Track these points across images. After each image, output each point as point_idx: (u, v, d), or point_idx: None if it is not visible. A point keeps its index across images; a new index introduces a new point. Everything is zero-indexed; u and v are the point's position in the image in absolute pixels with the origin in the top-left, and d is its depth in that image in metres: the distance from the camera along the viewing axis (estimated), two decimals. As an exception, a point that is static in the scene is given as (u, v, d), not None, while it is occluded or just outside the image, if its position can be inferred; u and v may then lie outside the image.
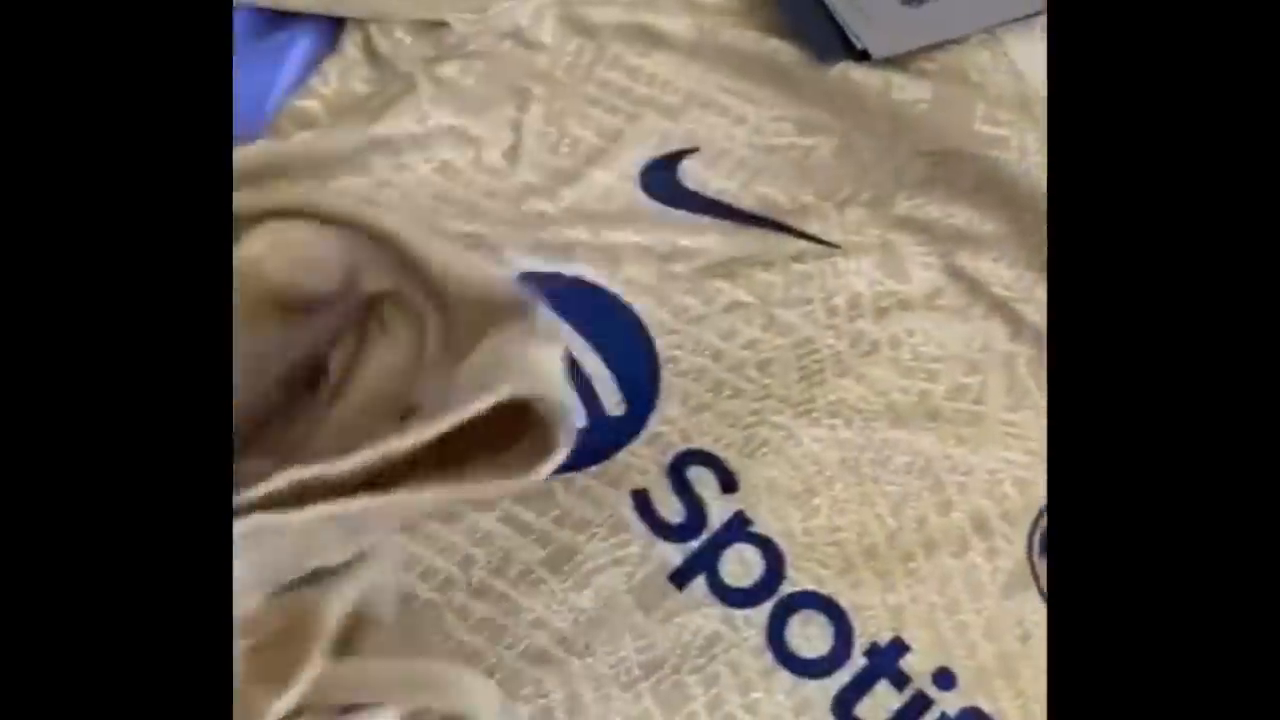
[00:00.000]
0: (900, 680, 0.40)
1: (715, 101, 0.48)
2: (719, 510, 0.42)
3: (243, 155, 0.45)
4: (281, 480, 0.35)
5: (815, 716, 0.40)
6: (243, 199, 0.41)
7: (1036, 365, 0.45)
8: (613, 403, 0.44)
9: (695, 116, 0.48)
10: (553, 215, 0.46)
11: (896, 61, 0.48)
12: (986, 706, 0.40)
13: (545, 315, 0.40)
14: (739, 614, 0.41)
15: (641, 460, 0.43)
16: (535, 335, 0.40)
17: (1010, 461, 0.43)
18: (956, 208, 0.47)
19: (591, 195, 0.47)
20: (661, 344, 0.45)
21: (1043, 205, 0.45)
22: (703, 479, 0.43)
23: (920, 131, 0.47)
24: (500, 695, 0.39)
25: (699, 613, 0.41)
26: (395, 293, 0.41)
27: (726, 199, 0.47)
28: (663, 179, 0.47)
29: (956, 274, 0.46)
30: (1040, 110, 0.47)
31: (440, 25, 0.48)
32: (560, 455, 0.38)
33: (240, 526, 0.34)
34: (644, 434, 0.43)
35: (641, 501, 0.42)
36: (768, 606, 0.41)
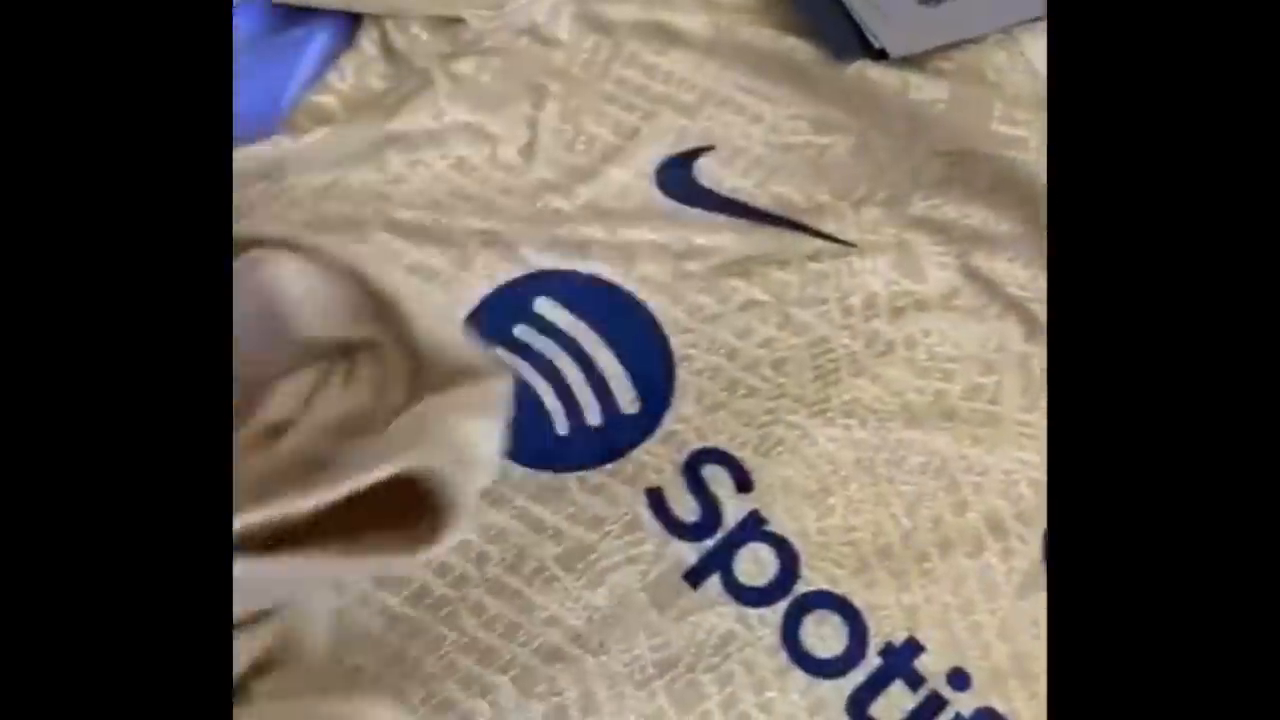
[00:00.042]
0: (915, 680, 0.40)
1: (731, 100, 0.48)
2: (734, 509, 0.42)
3: (258, 151, 0.46)
4: None
5: (830, 716, 0.40)
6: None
7: (1052, 366, 0.45)
8: (627, 400, 0.44)
9: (711, 114, 0.48)
10: (568, 212, 0.46)
11: (914, 61, 0.47)
12: (1001, 707, 0.40)
13: (500, 385, 0.40)
14: (753, 613, 0.41)
15: (656, 459, 0.43)
16: (470, 406, 0.39)
17: (1025, 462, 0.43)
18: (973, 208, 0.47)
19: (607, 193, 0.47)
20: (676, 342, 0.45)
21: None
22: (718, 478, 0.43)
23: (937, 131, 0.47)
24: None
25: (713, 611, 0.41)
26: (370, 342, 0.41)
27: (742, 197, 0.47)
28: (679, 177, 0.47)
29: (972, 274, 0.46)
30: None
31: (457, 22, 0.48)
32: (445, 543, 0.37)
33: None
34: (659, 432, 0.43)
35: (656, 500, 0.42)
36: (782, 606, 0.41)
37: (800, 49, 0.48)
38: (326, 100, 0.48)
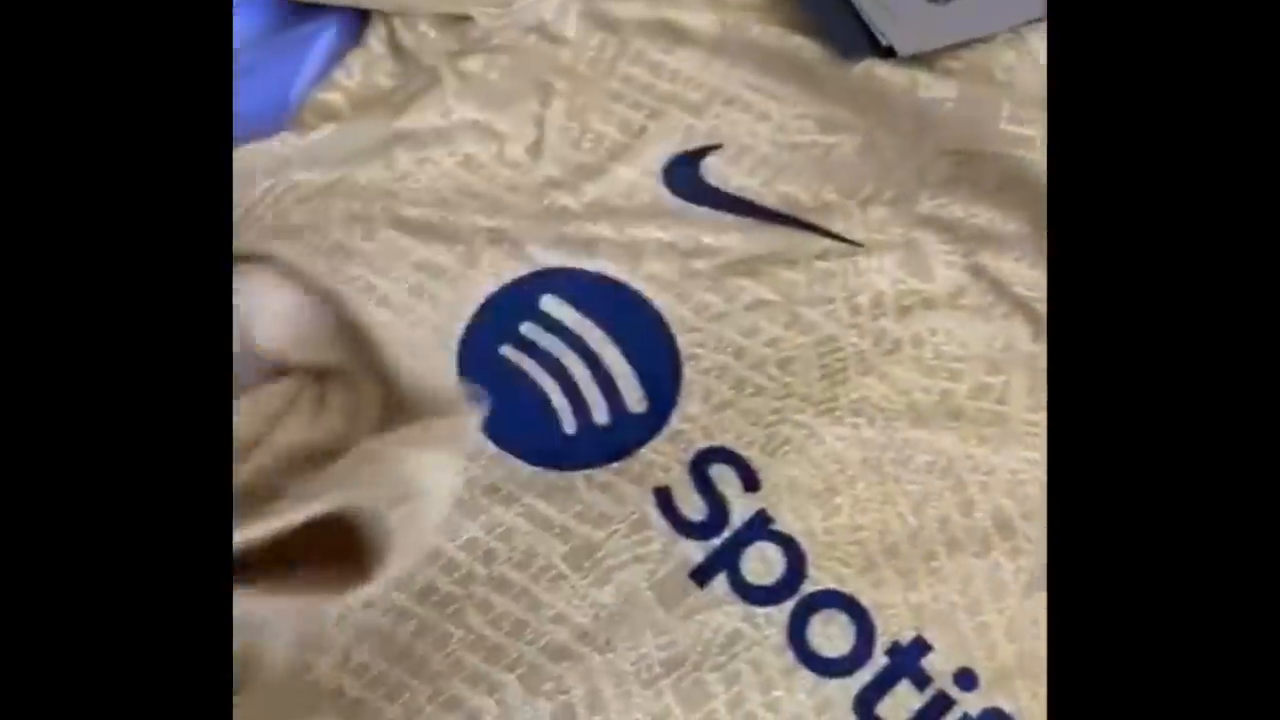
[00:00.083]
0: (922, 680, 0.40)
1: (739, 98, 0.48)
2: (741, 508, 0.42)
3: (265, 147, 0.45)
4: None
5: (836, 716, 0.40)
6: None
7: (1059, 365, 0.45)
8: (634, 399, 0.44)
9: (719, 113, 0.48)
10: (575, 210, 0.46)
11: (922, 60, 0.47)
12: (1008, 707, 0.40)
13: (468, 421, 0.40)
14: (760, 612, 0.41)
15: (663, 457, 0.43)
16: (429, 440, 0.39)
17: (1032, 461, 0.43)
18: (980, 207, 0.46)
19: (614, 191, 0.47)
20: (683, 341, 0.45)
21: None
22: (725, 477, 0.42)
23: (945, 130, 0.47)
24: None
25: (720, 610, 0.41)
26: (342, 369, 0.41)
27: (749, 196, 0.47)
28: (686, 175, 0.47)
29: (979, 273, 0.46)
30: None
31: (464, 19, 0.48)
32: (377, 583, 0.37)
33: None
34: (666, 431, 0.43)
35: (663, 499, 0.42)
36: (789, 605, 0.41)
37: (808, 47, 0.48)
38: (333, 97, 0.48)
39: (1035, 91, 0.47)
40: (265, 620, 0.38)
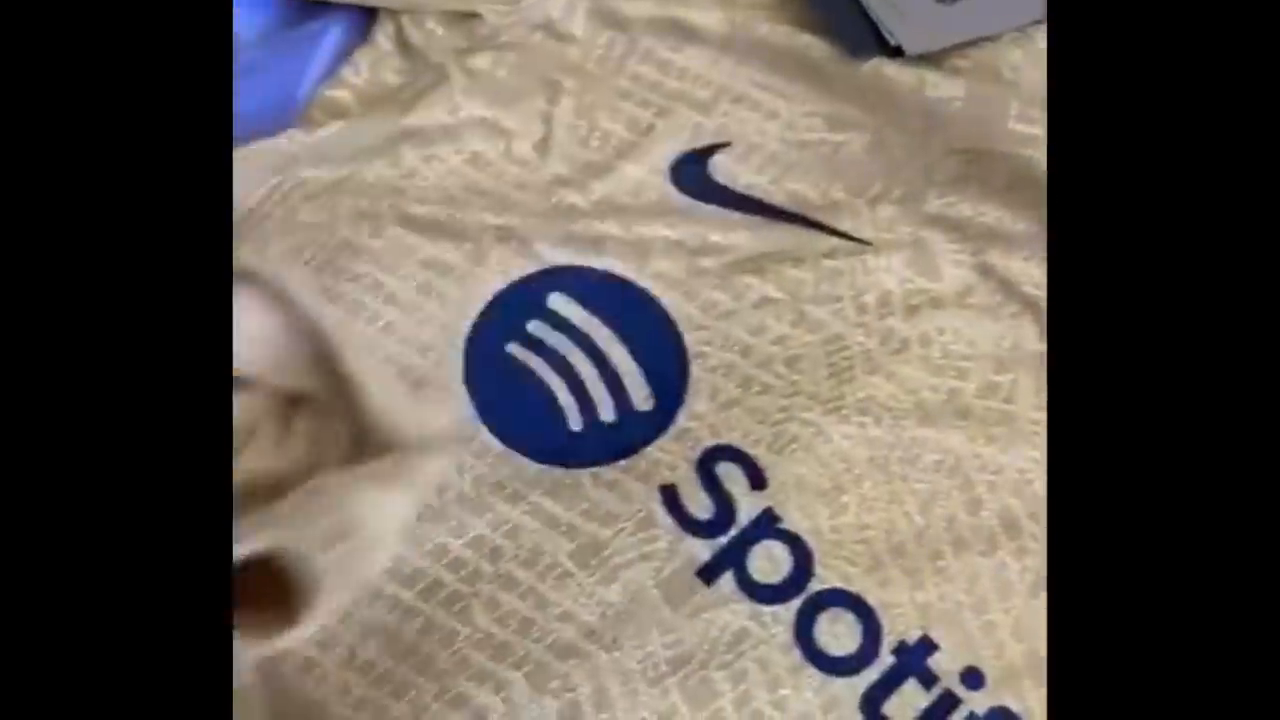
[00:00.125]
0: (928, 679, 0.40)
1: (747, 96, 0.48)
2: (748, 507, 0.42)
3: (272, 145, 0.45)
4: None
5: (843, 714, 0.40)
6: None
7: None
8: (641, 397, 0.44)
9: (727, 111, 0.48)
10: (583, 208, 0.46)
11: (930, 59, 0.47)
12: (1014, 706, 0.40)
13: (432, 463, 0.40)
14: (767, 610, 0.41)
15: (670, 455, 0.43)
16: (385, 478, 0.39)
17: (1040, 461, 0.43)
18: (988, 206, 0.46)
19: (622, 189, 0.47)
20: (690, 339, 0.45)
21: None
22: (732, 475, 0.42)
23: (953, 129, 0.47)
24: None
25: (727, 609, 0.41)
26: (313, 398, 0.41)
27: (757, 194, 0.47)
28: (694, 173, 0.47)
29: (987, 272, 0.46)
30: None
31: (472, 17, 0.48)
32: (306, 627, 0.36)
33: None
34: (672, 429, 0.43)
35: (670, 497, 0.42)
36: (796, 603, 0.41)
37: (816, 46, 0.48)
38: (341, 95, 0.48)
39: (1043, 91, 0.47)
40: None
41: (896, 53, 0.47)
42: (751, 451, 0.43)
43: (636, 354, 0.44)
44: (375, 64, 0.48)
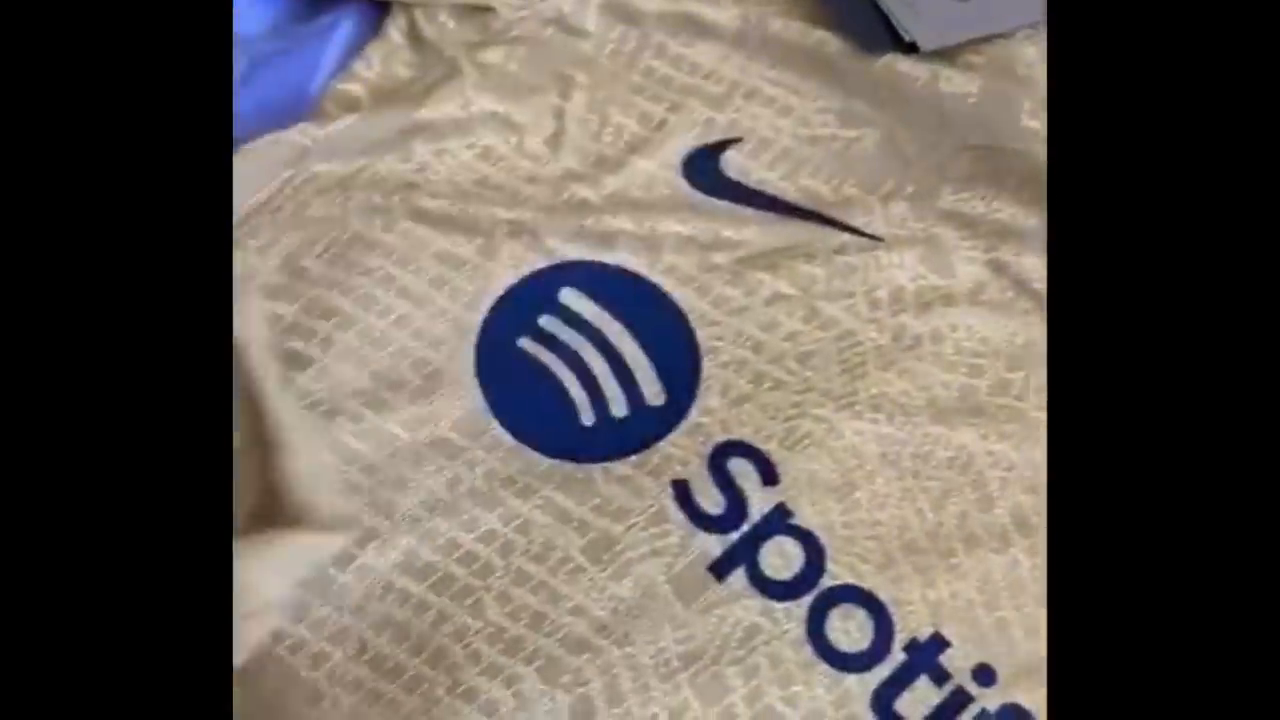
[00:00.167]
0: (940, 676, 0.40)
1: (760, 92, 0.48)
2: (760, 502, 0.42)
3: (284, 138, 0.45)
4: None
5: (854, 711, 0.40)
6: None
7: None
8: (653, 392, 0.44)
9: (739, 106, 0.48)
10: (595, 203, 0.46)
11: (944, 55, 0.47)
12: (1026, 703, 0.40)
13: (328, 542, 0.40)
14: (779, 606, 0.41)
15: (682, 451, 0.43)
16: (272, 550, 0.39)
17: (1053, 458, 0.43)
18: (1001, 203, 0.46)
19: (634, 184, 0.47)
20: (702, 335, 0.44)
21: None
22: (743, 471, 0.42)
23: (967, 125, 0.47)
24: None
25: (739, 604, 0.41)
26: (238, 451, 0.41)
27: (769, 190, 0.47)
28: (706, 168, 0.47)
29: (1000, 269, 0.46)
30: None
31: (485, 10, 0.48)
32: None
33: None
34: (684, 425, 0.43)
35: (682, 492, 0.42)
36: (808, 599, 0.41)
37: (829, 41, 0.48)
38: (353, 88, 0.48)
39: (1058, 87, 0.47)
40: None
41: (911, 49, 0.47)
42: (763, 447, 0.43)
43: (648, 349, 0.44)
44: (387, 57, 0.48)
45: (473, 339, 0.44)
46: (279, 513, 0.40)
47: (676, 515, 0.42)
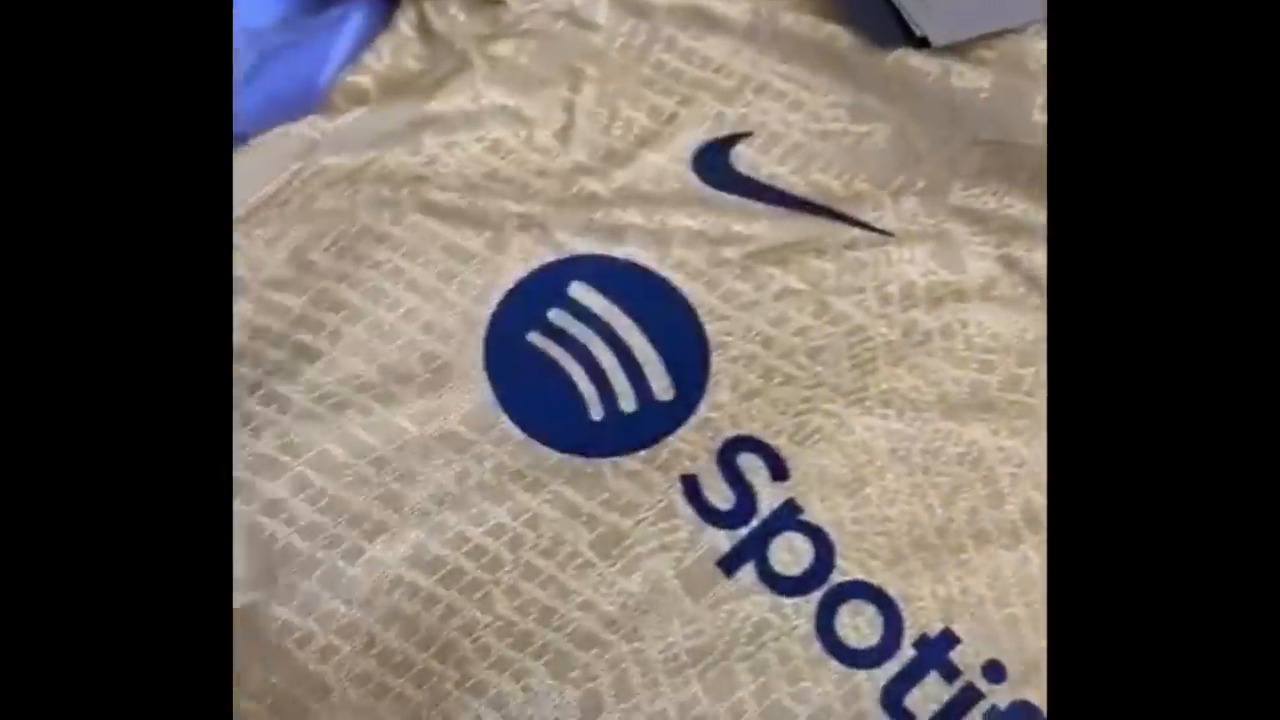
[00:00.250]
0: (950, 672, 0.40)
1: (770, 86, 0.48)
2: (769, 498, 0.42)
3: (294, 130, 0.45)
4: None
5: (864, 707, 0.40)
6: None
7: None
8: (661, 387, 0.44)
9: (750, 101, 0.47)
10: (604, 196, 0.46)
11: (955, 49, 0.47)
12: (1036, 699, 0.40)
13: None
14: (788, 602, 0.41)
15: (691, 446, 0.42)
16: None
17: (1063, 455, 0.43)
18: (1012, 198, 0.46)
19: (644, 177, 0.46)
20: (712, 329, 0.44)
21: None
22: (753, 466, 0.42)
23: (978, 120, 0.46)
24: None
25: (748, 600, 0.41)
26: None
27: (780, 184, 0.47)
28: (716, 163, 0.47)
29: (1012, 264, 0.45)
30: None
31: (495, 3, 0.48)
32: None
33: None
34: (694, 419, 0.43)
35: (691, 487, 0.42)
36: (817, 595, 0.41)
37: (840, 36, 0.48)
38: (362, 81, 0.48)
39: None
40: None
41: (922, 44, 0.47)
42: (773, 442, 0.43)
43: (657, 344, 0.44)
44: (397, 50, 0.48)
45: (482, 332, 0.44)
46: None
47: (685, 510, 0.42)
